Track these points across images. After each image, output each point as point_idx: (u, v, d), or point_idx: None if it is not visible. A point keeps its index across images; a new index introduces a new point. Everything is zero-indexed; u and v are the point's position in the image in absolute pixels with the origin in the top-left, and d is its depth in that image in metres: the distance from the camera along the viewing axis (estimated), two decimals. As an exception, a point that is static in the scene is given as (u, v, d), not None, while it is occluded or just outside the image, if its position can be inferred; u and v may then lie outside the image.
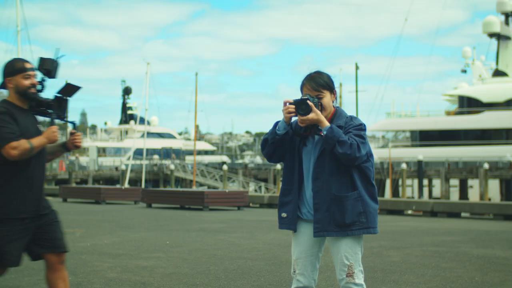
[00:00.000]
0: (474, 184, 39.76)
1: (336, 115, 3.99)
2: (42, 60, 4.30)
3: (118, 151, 69.41)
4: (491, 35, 51.13)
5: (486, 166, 35.79)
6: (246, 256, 9.03)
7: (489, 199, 35.16)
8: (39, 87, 4.36)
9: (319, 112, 3.82)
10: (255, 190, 42.11)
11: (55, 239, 4.39)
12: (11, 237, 4.20)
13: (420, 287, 6.79)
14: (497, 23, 49.99)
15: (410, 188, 41.26)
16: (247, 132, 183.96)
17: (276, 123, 3.94)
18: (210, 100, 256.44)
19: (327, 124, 3.81)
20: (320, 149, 3.91)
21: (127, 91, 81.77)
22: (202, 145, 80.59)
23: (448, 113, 51.39)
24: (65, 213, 18.04)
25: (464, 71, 54.16)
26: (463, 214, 19.32)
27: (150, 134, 61.70)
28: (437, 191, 40.30)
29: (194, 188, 37.22)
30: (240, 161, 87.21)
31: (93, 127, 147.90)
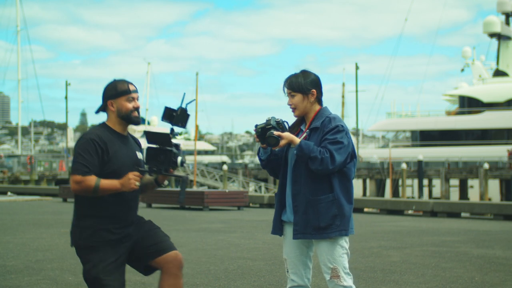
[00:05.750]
0: (474, 184, 39.77)
1: (317, 115, 4.03)
2: (168, 111, 3.87)
3: (118, 151, 69.35)
4: (492, 35, 51.19)
5: (486, 166, 35.80)
6: (246, 256, 9.03)
7: (489, 199, 35.16)
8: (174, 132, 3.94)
9: (287, 134, 3.89)
10: (255, 190, 42.12)
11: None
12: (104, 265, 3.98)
13: (420, 287, 6.79)
14: (497, 23, 50.03)
15: (410, 188, 41.29)
16: (247, 132, 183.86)
17: (259, 149, 4.11)
18: (212, 99, 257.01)
19: (297, 142, 3.87)
20: None
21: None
22: (202, 145, 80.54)
23: (449, 113, 51.43)
24: (65, 213, 18.02)
25: (462, 70, 54.23)
26: (463, 214, 19.29)
27: (150, 134, 61.56)
28: (437, 191, 40.33)
29: (194, 188, 37.24)
30: (240, 161, 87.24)
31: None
